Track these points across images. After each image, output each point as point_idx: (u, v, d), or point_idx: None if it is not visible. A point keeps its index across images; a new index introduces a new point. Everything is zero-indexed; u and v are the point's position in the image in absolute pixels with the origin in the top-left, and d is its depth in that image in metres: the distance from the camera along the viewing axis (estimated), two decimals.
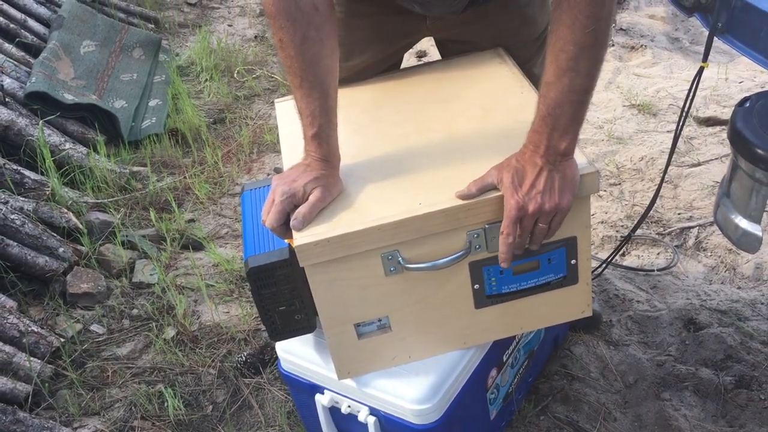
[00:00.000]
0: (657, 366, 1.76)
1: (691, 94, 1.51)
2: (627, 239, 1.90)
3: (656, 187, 1.73)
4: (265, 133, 2.82)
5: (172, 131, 2.85)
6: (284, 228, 1.19)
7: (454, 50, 1.58)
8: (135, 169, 2.61)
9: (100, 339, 1.99)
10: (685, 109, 1.54)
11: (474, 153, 1.25)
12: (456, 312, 1.28)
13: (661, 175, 1.72)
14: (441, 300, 1.25)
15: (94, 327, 2.03)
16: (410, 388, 1.29)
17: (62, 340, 1.94)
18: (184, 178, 2.59)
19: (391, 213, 1.14)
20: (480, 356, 1.38)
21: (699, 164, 2.43)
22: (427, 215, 1.13)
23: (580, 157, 1.16)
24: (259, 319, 1.99)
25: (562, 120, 1.09)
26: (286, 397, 1.78)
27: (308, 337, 1.38)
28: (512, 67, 1.46)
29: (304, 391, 1.44)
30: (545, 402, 1.68)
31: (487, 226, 1.17)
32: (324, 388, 1.40)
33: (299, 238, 1.13)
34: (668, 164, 1.69)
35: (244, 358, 1.88)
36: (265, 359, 1.89)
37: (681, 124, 1.56)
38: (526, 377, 1.63)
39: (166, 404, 1.77)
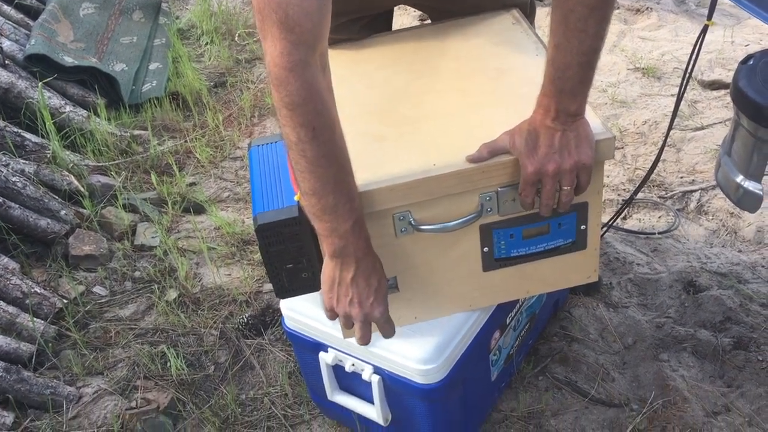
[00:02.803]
0: (656, 328, 1.77)
1: (695, 53, 1.50)
2: (628, 202, 1.91)
3: (659, 150, 1.73)
4: (267, 97, 2.80)
5: (172, 95, 2.83)
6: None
7: (436, 16, 1.58)
8: (136, 132, 2.60)
9: (102, 300, 2.01)
10: (689, 69, 1.53)
11: (488, 115, 1.24)
12: (464, 274, 1.28)
13: (664, 138, 1.72)
14: (449, 262, 1.26)
15: (97, 289, 2.04)
16: (415, 348, 1.30)
17: (65, 301, 1.95)
18: (185, 141, 2.58)
19: (404, 173, 1.13)
20: (484, 318, 1.39)
21: (702, 128, 2.42)
22: (441, 177, 1.13)
23: (595, 121, 1.15)
24: (261, 281, 2.01)
25: (571, 82, 1.08)
26: (287, 358, 1.79)
27: (314, 295, 1.38)
28: (527, 29, 1.45)
29: (308, 348, 1.45)
30: (544, 363, 1.70)
31: (499, 189, 1.17)
32: (328, 346, 1.41)
33: None
34: (670, 127, 1.69)
35: (245, 319, 1.90)
36: (267, 321, 1.90)
37: (684, 84, 1.55)
38: (527, 339, 1.65)
39: (168, 364, 1.78)
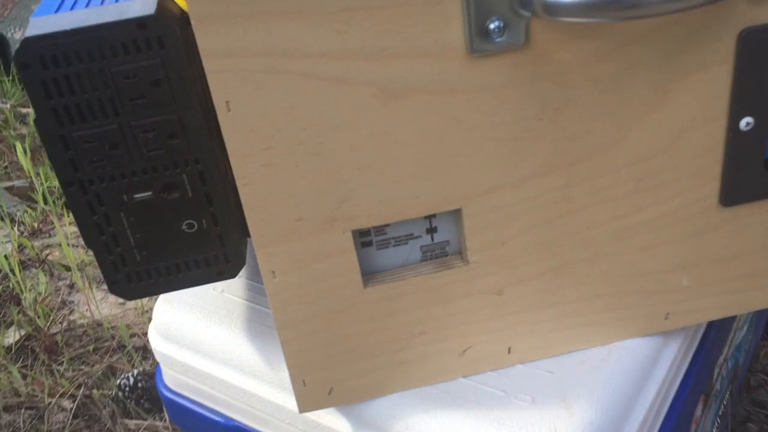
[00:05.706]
0: None
1: None
2: None
3: None
4: None
5: None
6: None
7: None
8: None
9: None
10: None
11: None
12: (670, 232, 0.41)
13: None
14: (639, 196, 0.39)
15: None
16: None
17: None
18: None
19: None
20: (674, 388, 0.51)
21: None
22: None
23: None
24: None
25: None
26: None
27: (231, 317, 0.52)
28: None
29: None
30: (758, 397, 0.81)
31: None
32: None
33: None
34: None
35: (131, 380, 0.99)
36: None
37: None
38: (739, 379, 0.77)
39: None
